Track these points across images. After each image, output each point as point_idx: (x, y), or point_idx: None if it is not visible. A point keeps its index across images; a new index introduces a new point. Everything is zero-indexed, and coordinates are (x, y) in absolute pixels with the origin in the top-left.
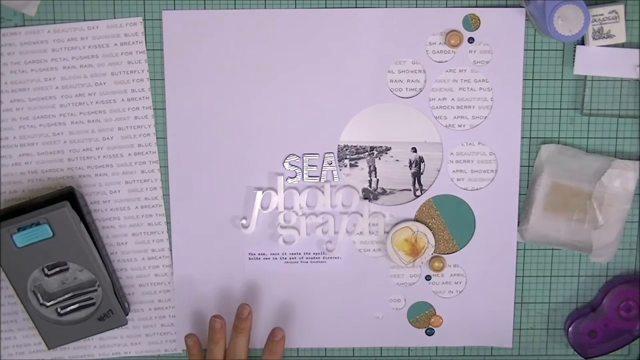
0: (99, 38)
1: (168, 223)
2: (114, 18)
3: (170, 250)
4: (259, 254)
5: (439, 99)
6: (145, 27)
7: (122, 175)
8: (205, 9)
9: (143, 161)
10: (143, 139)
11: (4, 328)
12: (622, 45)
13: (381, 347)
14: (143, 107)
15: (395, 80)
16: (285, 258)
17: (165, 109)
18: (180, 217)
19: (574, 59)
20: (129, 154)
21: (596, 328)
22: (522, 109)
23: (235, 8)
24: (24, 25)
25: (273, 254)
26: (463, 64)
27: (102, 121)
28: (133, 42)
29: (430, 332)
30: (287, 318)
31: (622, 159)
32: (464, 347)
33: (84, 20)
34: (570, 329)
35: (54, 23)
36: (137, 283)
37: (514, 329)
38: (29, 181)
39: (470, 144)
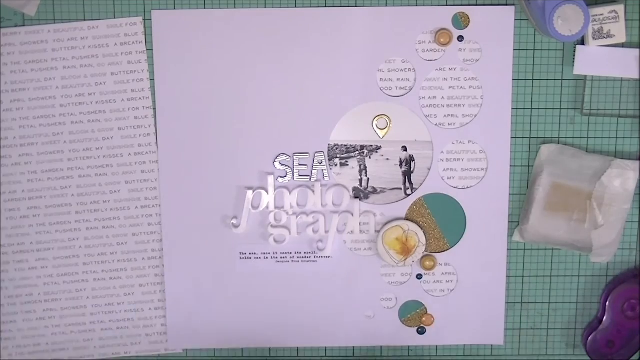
0: (99, 38)
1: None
2: (114, 18)
3: (162, 250)
4: (249, 254)
5: (429, 97)
6: (145, 27)
7: (122, 175)
8: (197, 8)
9: (143, 161)
10: (143, 139)
11: (4, 328)
12: (622, 45)
13: (381, 347)
14: (143, 107)
15: (385, 79)
16: (276, 257)
17: (155, 109)
18: (172, 217)
19: (574, 59)
20: (129, 154)
21: (611, 337)
22: (523, 109)
23: (227, 7)
24: (24, 25)
25: (264, 253)
26: (453, 63)
27: (102, 121)
28: (133, 42)
29: (421, 331)
30: (277, 317)
31: (622, 159)
32: (464, 346)
33: (84, 20)
34: (588, 345)
35: (54, 23)
36: (137, 283)
37: (514, 329)
38: (29, 181)
39: (460, 142)
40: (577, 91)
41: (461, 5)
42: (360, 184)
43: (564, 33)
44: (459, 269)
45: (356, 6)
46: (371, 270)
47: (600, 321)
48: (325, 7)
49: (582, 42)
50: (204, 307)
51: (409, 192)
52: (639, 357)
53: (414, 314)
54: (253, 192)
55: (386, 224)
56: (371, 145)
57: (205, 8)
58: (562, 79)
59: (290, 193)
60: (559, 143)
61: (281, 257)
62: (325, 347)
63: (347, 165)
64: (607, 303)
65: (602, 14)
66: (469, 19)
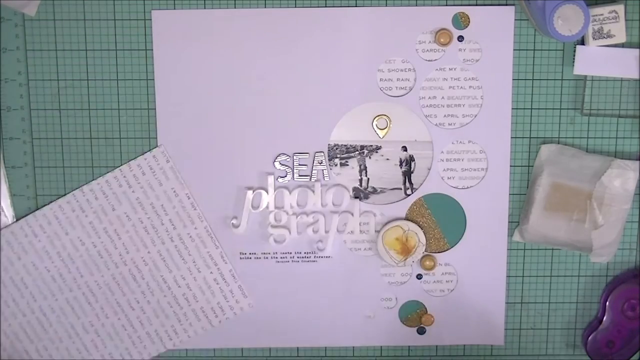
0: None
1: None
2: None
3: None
4: (250, 254)
5: (429, 97)
6: (145, 27)
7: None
8: (197, 8)
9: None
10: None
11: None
12: (622, 45)
13: (381, 347)
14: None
15: (385, 79)
16: (277, 257)
17: (155, 109)
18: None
19: (574, 59)
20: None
21: (611, 337)
22: (523, 109)
23: (227, 7)
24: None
25: (264, 253)
26: (453, 63)
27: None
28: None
29: (421, 331)
30: (278, 317)
31: (622, 159)
32: (464, 346)
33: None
34: (588, 345)
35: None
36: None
37: (514, 329)
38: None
39: (460, 142)
40: (577, 91)
41: (461, 5)
42: (360, 184)
43: (564, 33)
44: (459, 269)
45: (356, 6)
46: (371, 270)
47: (600, 321)
48: (325, 7)
49: (582, 42)
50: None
51: (409, 192)
52: (639, 357)
53: (414, 314)
54: (253, 192)
55: (386, 224)
56: (371, 145)
57: (205, 8)
58: (562, 79)
59: (290, 193)
60: (559, 143)
61: (281, 257)
62: (325, 347)
63: (347, 165)
64: (607, 303)
65: (602, 14)
66: (469, 19)
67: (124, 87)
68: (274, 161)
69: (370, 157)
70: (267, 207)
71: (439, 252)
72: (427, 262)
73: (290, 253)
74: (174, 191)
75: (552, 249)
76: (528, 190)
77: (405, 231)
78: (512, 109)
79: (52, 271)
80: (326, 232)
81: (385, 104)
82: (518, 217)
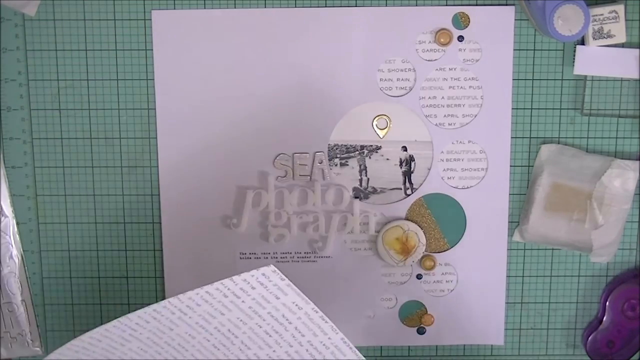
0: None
1: (159, 223)
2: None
3: (161, 250)
4: (249, 254)
5: (429, 97)
6: (145, 27)
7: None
8: (197, 8)
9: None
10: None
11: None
12: (622, 45)
13: (381, 347)
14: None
15: (385, 79)
16: (276, 257)
17: (155, 109)
18: (171, 217)
19: (574, 59)
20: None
21: (611, 337)
22: (523, 109)
23: (227, 7)
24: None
25: (264, 253)
26: (453, 63)
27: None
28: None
29: (421, 331)
30: None
31: (622, 159)
32: (464, 346)
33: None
34: (588, 345)
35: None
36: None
37: (514, 329)
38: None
39: (460, 142)
40: (577, 91)
41: (461, 5)
42: (360, 184)
43: (564, 33)
44: (459, 269)
45: (356, 6)
46: (371, 270)
47: (600, 321)
48: (325, 7)
49: (582, 42)
50: None
51: (409, 192)
52: (639, 357)
53: (414, 314)
54: (253, 191)
55: (386, 224)
56: (371, 145)
57: (205, 8)
58: (562, 79)
59: (290, 193)
60: (559, 143)
61: (281, 257)
62: None
63: (347, 165)
64: (607, 303)
65: (602, 14)
66: (469, 19)
67: (124, 87)
68: (274, 161)
69: (370, 157)
70: (267, 207)
71: (439, 252)
72: (427, 262)
73: (290, 253)
74: (296, 304)
75: (552, 249)
76: (528, 190)
77: (405, 231)
78: (512, 109)
79: None
80: (326, 232)
81: (385, 104)
82: (518, 217)
